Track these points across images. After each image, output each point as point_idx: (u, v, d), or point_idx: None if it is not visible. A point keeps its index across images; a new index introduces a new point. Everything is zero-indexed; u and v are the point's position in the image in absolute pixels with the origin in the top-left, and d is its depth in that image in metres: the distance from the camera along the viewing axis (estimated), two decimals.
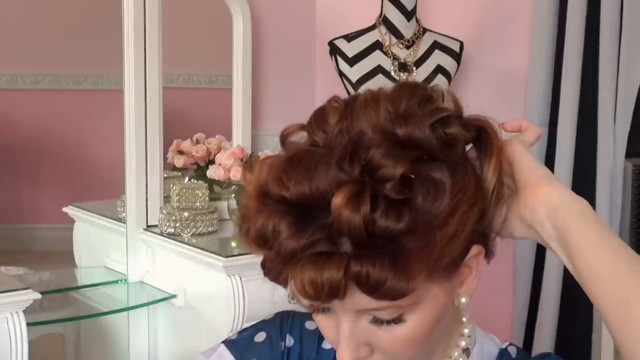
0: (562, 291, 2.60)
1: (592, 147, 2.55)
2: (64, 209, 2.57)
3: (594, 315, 2.54)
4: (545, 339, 2.60)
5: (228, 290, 1.93)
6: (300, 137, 0.76)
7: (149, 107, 2.25)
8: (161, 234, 2.21)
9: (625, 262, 0.73)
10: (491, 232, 0.80)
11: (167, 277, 2.21)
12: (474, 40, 2.74)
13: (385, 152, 0.69)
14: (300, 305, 0.75)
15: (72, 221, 2.57)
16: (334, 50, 2.48)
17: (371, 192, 0.67)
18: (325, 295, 0.68)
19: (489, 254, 0.83)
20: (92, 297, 2.32)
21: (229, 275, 1.93)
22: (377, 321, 0.73)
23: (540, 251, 2.67)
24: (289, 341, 0.91)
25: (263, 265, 0.73)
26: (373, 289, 0.67)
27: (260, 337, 0.92)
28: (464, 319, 0.87)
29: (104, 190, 2.75)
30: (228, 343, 0.93)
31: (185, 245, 2.10)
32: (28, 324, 1.81)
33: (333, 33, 2.56)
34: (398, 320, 0.73)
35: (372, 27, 2.51)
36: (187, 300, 2.11)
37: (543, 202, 0.76)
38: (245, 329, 0.94)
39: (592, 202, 2.53)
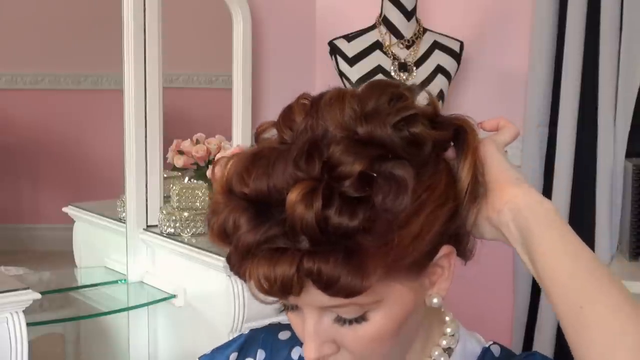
0: None
1: (592, 147, 2.55)
2: (64, 209, 2.57)
3: None
4: (545, 341, 2.60)
5: (228, 290, 1.93)
6: (273, 134, 0.78)
7: (149, 107, 2.25)
8: (161, 234, 2.21)
9: (584, 268, 0.72)
10: (465, 232, 0.79)
11: (167, 277, 2.21)
12: (474, 40, 2.74)
13: (344, 149, 0.69)
14: (259, 301, 0.75)
15: (72, 221, 2.57)
16: (334, 50, 2.48)
17: (328, 189, 0.67)
18: (279, 290, 0.69)
19: (464, 254, 0.81)
20: (92, 297, 2.32)
21: (229, 275, 1.93)
22: (341, 320, 0.74)
23: None
24: (260, 355, 0.92)
25: (228, 259, 0.73)
26: (326, 286, 0.68)
27: (233, 357, 0.93)
28: (447, 318, 0.85)
29: (104, 190, 2.75)
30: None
31: (185, 245, 2.10)
32: (28, 324, 1.81)
33: (333, 33, 2.56)
34: (361, 319, 0.73)
35: (372, 27, 2.51)
36: (187, 300, 2.11)
37: (508, 203, 0.75)
38: (219, 347, 0.94)
39: (592, 202, 2.54)
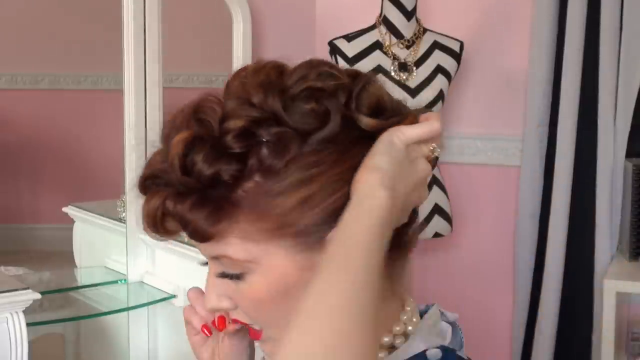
0: (562, 291, 2.60)
1: (592, 147, 2.55)
2: (64, 209, 2.57)
3: (594, 316, 2.54)
4: (545, 340, 2.60)
5: None
6: None
7: (149, 107, 2.25)
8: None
9: (328, 279, 0.67)
10: None
11: (167, 277, 2.21)
12: (474, 40, 2.74)
13: (235, 108, 0.73)
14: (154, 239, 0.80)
15: (72, 221, 2.57)
16: (334, 50, 2.48)
17: (208, 139, 0.72)
18: (149, 226, 0.75)
19: (394, 244, 0.78)
20: (92, 297, 2.32)
21: None
22: (226, 275, 0.77)
23: (540, 252, 2.67)
24: None
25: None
26: (183, 226, 0.73)
27: None
28: (407, 308, 0.82)
29: (104, 190, 2.75)
30: None
31: (185, 245, 2.10)
32: (28, 324, 1.81)
33: (333, 33, 2.56)
34: (240, 277, 0.76)
35: (372, 27, 2.51)
36: (187, 301, 2.11)
37: (352, 187, 0.74)
38: None
39: (592, 201, 2.54)
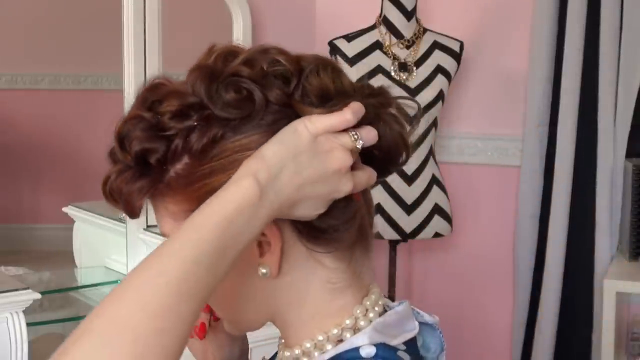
0: (562, 291, 2.60)
1: (592, 147, 2.55)
2: (64, 209, 2.57)
3: (594, 315, 2.54)
4: (545, 340, 2.60)
5: None
6: None
7: None
8: (161, 234, 2.21)
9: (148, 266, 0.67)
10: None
11: None
12: (474, 40, 2.74)
13: (171, 91, 0.76)
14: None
15: (72, 221, 2.57)
16: (334, 50, 2.48)
17: (145, 118, 0.74)
18: (105, 198, 0.78)
19: (312, 236, 0.77)
20: (92, 297, 2.32)
21: None
22: None
23: (540, 252, 2.67)
24: None
25: None
26: (118, 198, 0.77)
27: None
28: (366, 302, 0.80)
29: None
30: None
31: None
32: (28, 324, 1.81)
33: (333, 33, 2.56)
34: None
35: (372, 27, 2.51)
36: None
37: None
38: None
39: (592, 201, 2.54)
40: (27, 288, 1.83)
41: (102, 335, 0.63)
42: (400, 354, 0.77)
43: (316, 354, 0.78)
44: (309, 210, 0.74)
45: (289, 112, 0.75)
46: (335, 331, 0.78)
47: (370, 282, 0.83)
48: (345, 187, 0.75)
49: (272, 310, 0.81)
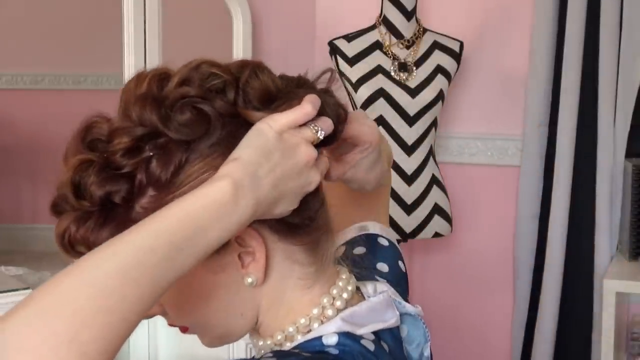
0: (562, 291, 2.60)
1: (592, 147, 2.55)
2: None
3: (594, 315, 2.54)
4: (545, 339, 2.60)
5: None
6: None
7: None
8: None
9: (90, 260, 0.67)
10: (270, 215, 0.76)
11: None
12: (474, 40, 2.75)
13: (118, 126, 0.74)
14: None
15: None
16: (334, 50, 2.48)
17: (95, 160, 0.73)
18: (62, 250, 0.77)
19: (292, 237, 0.79)
20: None
21: None
22: None
23: (540, 252, 2.67)
24: None
25: None
26: (88, 247, 0.73)
27: None
28: (333, 290, 0.81)
29: None
30: None
31: None
32: None
33: (333, 33, 2.56)
34: None
35: (372, 27, 2.51)
36: None
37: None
38: None
39: (592, 201, 2.54)
40: (27, 288, 1.84)
41: (42, 304, 0.63)
42: (365, 342, 0.78)
43: (288, 344, 0.79)
44: (286, 207, 0.75)
45: (240, 121, 0.75)
46: (302, 321, 0.79)
47: (339, 269, 0.84)
48: (315, 179, 0.76)
49: (255, 318, 0.81)
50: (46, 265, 2.64)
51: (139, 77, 0.78)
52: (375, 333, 0.80)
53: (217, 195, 0.69)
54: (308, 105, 0.75)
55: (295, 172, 0.74)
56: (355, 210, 0.99)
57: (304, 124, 0.76)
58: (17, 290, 1.82)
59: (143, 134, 0.73)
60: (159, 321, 2.25)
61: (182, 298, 0.79)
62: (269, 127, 0.74)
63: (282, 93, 0.77)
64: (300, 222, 0.78)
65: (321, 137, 0.76)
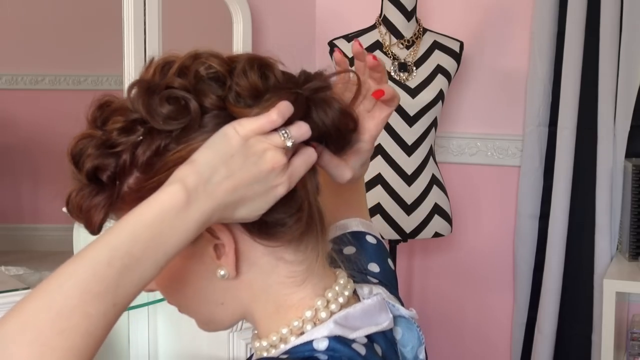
0: (562, 291, 2.60)
1: (592, 146, 2.55)
2: (64, 209, 2.56)
3: (594, 315, 2.54)
4: (545, 340, 2.60)
5: None
6: None
7: None
8: None
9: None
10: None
11: None
12: (474, 40, 2.75)
13: (119, 106, 0.78)
14: None
15: (72, 221, 2.56)
16: (334, 50, 2.48)
17: (95, 136, 0.77)
18: (70, 214, 0.81)
19: (254, 233, 0.78)
20: None
21: None
22: None
23: (540, 252, 2.67)
24: None
25: None
26: (78, 215, 0.80)
27: None
28: (328, 294, 0.81)
29: None
30: None
31: None
32: None
33: (333, 33, 2.56)
34: None
35: (372, 27, 2.51)
36: None
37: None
38: None
39: (592, 201, 2.54)
40: (27, 288, 1.84)
41: (4, 331, 0.64)
42: (356, 346, 0.78)
43: (282, 346, 0.79)
44: (250, 211, 0.75)
45: (227, 116, 0.76)
46: (295, 323, 0.79)
47: (338, 272, 0.84)
48: (281, 184, 0.75)
49: (239, 309, 0.83)
50: (46, 265, 2.64)
51: (149, 63, 0.81)
52: (368, 336, 0.80)
53: (168, 201, 0.70)
54: (274, 113, 0.74)
55: (258, 178, 0.74)
56: (339, 204, 0.99)
57: (275, 130, 0.75)
58: (17, 290, 1.82)
59: (135, 118, 0.76)
60: (159, 318, 2.25)
61: (163, 280, 0.81)
62: (235, 131, 0.74)
63: (274, 90, 0.77)
64: (272, 222, 0.78)
65: (289, 144, 0.75)
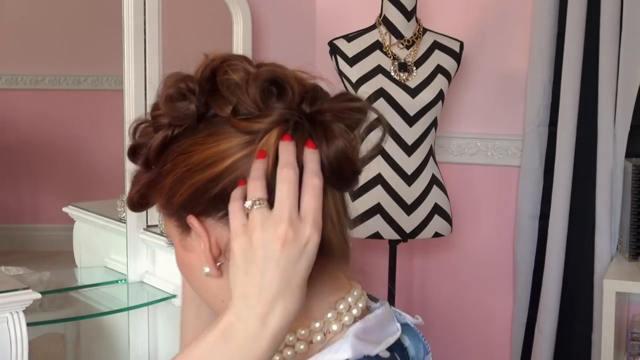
0: (562, 291, 2.60)
1: (592, 147, 2.55)
2: (64, 209, 2.57)
3: (594, 315, 2.54)
4: (545, 340, 2.60)
5: None
6: None
7: (149, 107, 2.25)
8: (161, 234, 2.21)
9: None
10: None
11: (167, 277, 2.21)
12: (474, 40, 2.75)
13: (160, 104, 0.82)
14: None
15: (72, 221, 2.57)
16: (334, 50, 2.48)
17: (143, 121, 0.84)
18: None
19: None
20: (92, 297, 2.32)
21: None
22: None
23: (540, 252, 2.67)
24: None
25: None
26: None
27: None
28: (340, 305, 0.80)
29: (104, 190, 2.75)
30: None
31: None
32: (28, 324, 1.81)
33: (333, 33, 2.56)
34: (169, 243, 0.86)
35: (372, 27, 2.51)
36: None
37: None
38: None
39: (592, 202, 2.54)
40: (27, 288, 1.83)
41: None
42: None
43: (288, 352, 0.79)
44: (305, 275, 0.74)
45: (225, 122, 0.79)
46: (302, 332, 0.79)
47: (352, 283, 0.83)
48: (311, 240, 0.73)
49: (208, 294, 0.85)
50: (46, 265, 2.65)
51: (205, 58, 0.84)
52: (389, 348, 0.79)
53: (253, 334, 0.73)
54: (235, 203, 0.75)
55: (282, 258, 0.72)
56: None
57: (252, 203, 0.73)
58: (17, 290, 1.82)
59: (160, 113, 0.83)
60: (159, 318, 2.25)
61: (180, 267, 0.85)
62: (239, 245, 0.73)
63: (260, 111, 0.76)
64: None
65: (257, 207, 0.73)
